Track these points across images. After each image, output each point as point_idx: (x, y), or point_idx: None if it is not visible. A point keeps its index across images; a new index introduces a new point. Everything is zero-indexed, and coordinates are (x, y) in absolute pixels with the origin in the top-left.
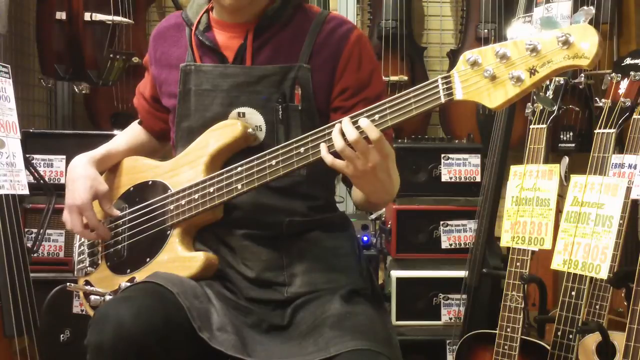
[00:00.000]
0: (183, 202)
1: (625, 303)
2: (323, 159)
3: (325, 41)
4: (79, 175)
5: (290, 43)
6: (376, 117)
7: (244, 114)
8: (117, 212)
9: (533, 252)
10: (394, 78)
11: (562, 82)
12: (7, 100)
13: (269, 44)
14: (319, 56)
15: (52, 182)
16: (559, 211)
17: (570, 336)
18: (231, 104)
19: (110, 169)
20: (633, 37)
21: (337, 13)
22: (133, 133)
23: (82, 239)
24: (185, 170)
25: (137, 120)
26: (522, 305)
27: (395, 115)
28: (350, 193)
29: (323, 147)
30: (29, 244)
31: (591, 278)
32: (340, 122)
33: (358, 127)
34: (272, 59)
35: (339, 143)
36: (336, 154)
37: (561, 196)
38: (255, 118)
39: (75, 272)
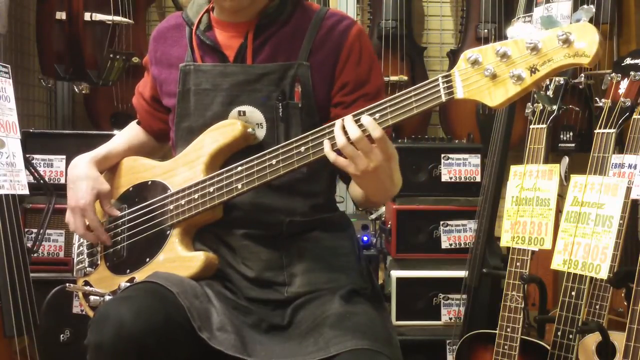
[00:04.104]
0: (183, 202)
1: (625, 303)
2: (326, 155)
3: (325, 38)
4: (81, 175)
5: (290, 41)
6: (377, 115)
7: (244, 112)
8: (117, 212)
9: (533, 252)
10: (394, 78)
11: (562, 82)
12: (7, 100)
13: (269, 43)
14: (319, 53)
15: (52, 182)
16: (559, 211)
17: (570, 336)
18: (231, 102)
19: (109, 169)
20: (633, 37)
21: (336, 9)
22: (132, 133)
23: (81, 239)
24: (185, 170)
25: (135, 121)
26: (522, 305)
27: (396, 114)
28: (348, 188)
29: (326, 144)
30: (29, 244)
31: (591, 278)
32: (343, 119)
33: (361, 125)
34: (272, 57)
35: (340, 140)
36: (339, 152)
37: (561, 196)
38: (255, 116)
39: (75, 273)
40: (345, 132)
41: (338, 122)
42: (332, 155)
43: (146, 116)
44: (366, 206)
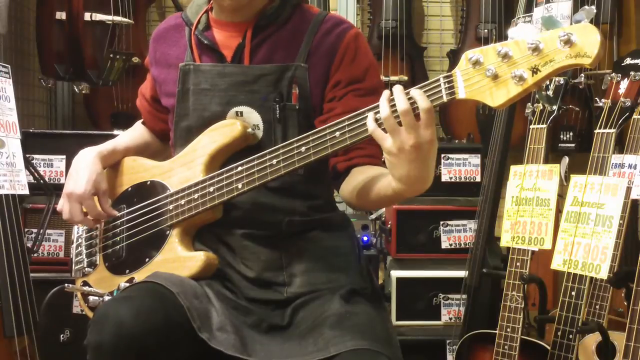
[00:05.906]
0: (182, 202)
1: (625, 303)
2: (367, 124)
3: (322, 41)
4: (85, 166)
5: (288, 42)
6: (378, 115)
7: (241, 113)
8: (115, 212)
9: (533, 252)
10: (394, 78)
11: (562, 82)
12: (7, 100)
13: (266, 43)
14: (316, 55)
15: (52, 182)
16: (559, 211)
17: (570, 336)
18: (229, 102)
19: (109, 168)
20: (633, 37)
21: (335, 13)
22: (138, 133)
23: (80, 240)
24: (184, 170)
25: (141, 121)
26: (522, 305)
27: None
28: (339, 191)
29: (370, 115)
30: (29, 244)
31: (591, 278)
32: (391, 90)
33: (410, 98)
34: (270, 58)
35: (384, 110)
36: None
37: (561, 196)
38: (252, 117)
39: (73, 273)
40: (391, 104)
41: (384, 93)
42: (371, 125)
43: (149, 117)
44: (364, 206)
